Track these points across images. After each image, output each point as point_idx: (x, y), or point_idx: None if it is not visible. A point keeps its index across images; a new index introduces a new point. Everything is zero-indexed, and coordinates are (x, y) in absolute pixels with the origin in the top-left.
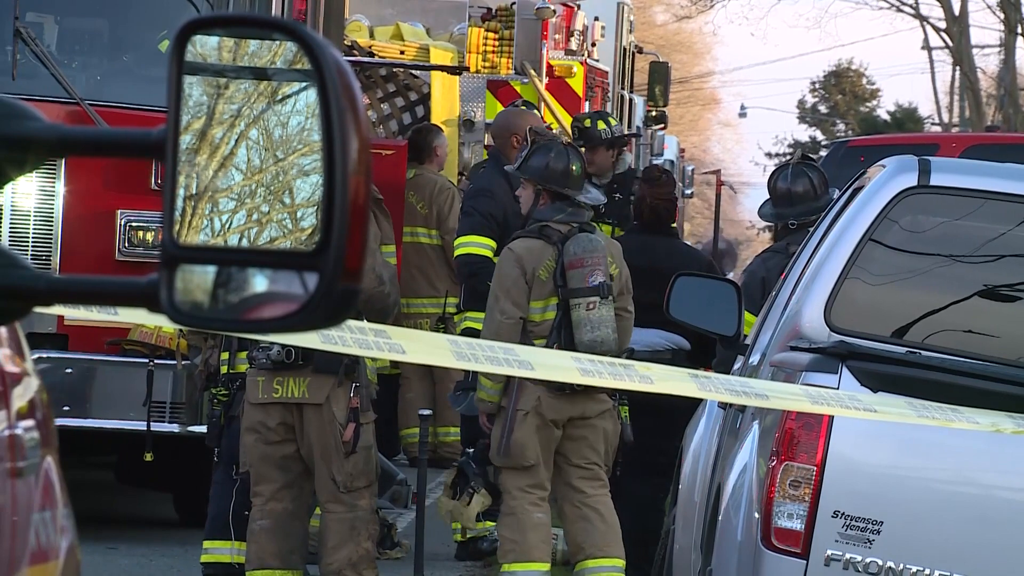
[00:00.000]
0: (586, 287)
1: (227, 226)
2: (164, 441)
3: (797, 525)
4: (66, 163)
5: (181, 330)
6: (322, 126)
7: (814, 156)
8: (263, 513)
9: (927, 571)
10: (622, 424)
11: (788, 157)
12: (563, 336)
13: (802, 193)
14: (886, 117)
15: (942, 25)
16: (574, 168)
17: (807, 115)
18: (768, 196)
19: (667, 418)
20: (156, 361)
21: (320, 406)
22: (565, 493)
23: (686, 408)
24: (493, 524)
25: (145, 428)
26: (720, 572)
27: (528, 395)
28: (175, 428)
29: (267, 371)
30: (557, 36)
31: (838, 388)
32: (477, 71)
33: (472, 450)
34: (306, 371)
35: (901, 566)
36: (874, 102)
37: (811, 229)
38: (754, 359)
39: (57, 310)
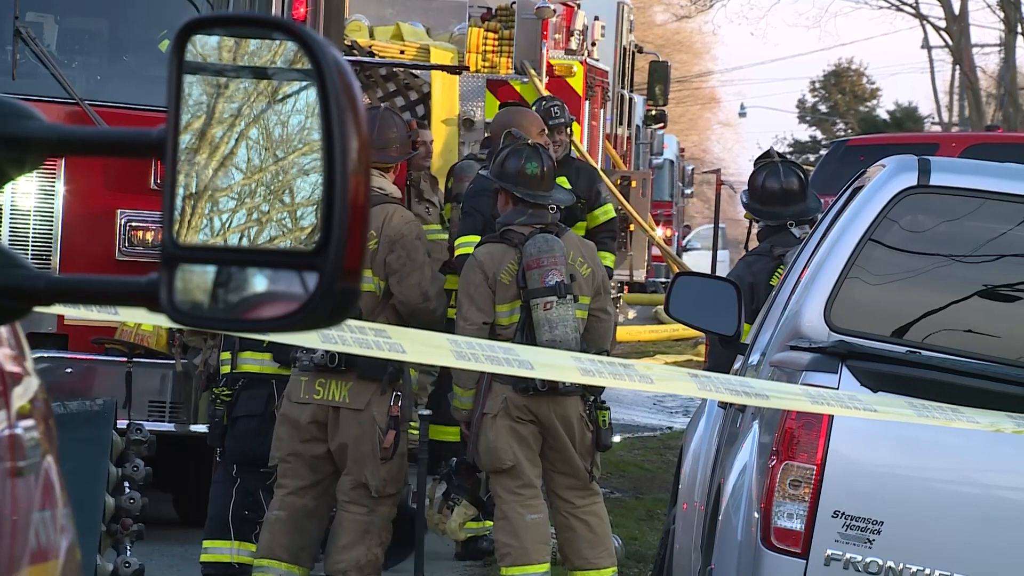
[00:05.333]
0: (542, 287)
1: (227, 225)
2: (164, 441)
3: (797, 525)
4: (66, 163)
5: (180, 330)
6: (322, 125)
7: (808, 157)
8: (282, 505)
9: (927, 571)
10: (600, 429)
11: (788, 156)
12: (525, 337)
13: (796, 191)
14: (886, 116)
15: (942, 24)
16: (530, 169)
17: (807, 114)
18: (753, 194)
19: None
20: (157, 361)
21: (360, 411)
22: (553, 502)
23: None
24: (493, 523)
25: (149, 427)
26: (720, 572)
27: (495, 397)
28: (173, 428)
29: (310, 372)
30: (557, 36)
31: (838, 388)
32: (477, 71)
33: (454, 460)
34: (350, 376)
35: (901, 566)
36: (874, 101)
37: (805, 228)
38: (754, 359)
39: (57, 310)
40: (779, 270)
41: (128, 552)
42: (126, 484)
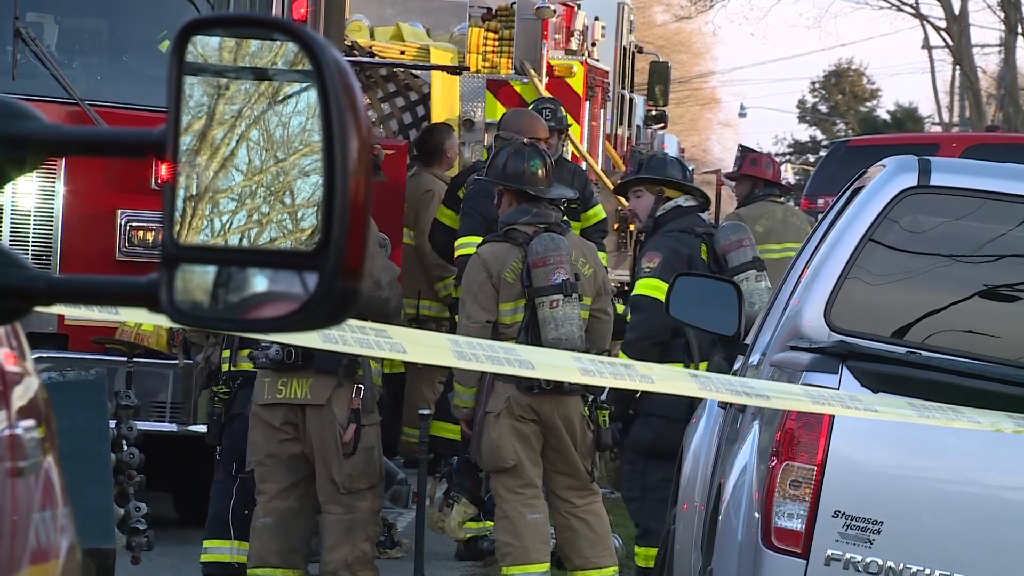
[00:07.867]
0: (549, 285)
1: (227, 226)
2: (164, 441)
3: (797, 525)
4: (66, 163)
5: (184, 329)
6: (322, 126)
7: (808, 157)
8: (267, 510)
9: (927, 571)
10: (600, 429)
11: (789, 156)
12: (530, 336)
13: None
14: (886, 117)
15: (942, 24)
16: (531, 166)
17: (807, 115)
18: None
19: None
20: (157, 361)
21: (322, 407)
22: (553, 502)
23: None
24: (493, 523)
25: (149, 427)
26: (720, 572)
27: (497, 396)
28: (174, 428)
29: (272, 372)
30: (557, 36)
31: (838, 388)
32: (477, 71)
33: (456, 459)
34: (308, 372)
35: (901, 566)
36: (874, 102)
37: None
38: (754, 359)
39: (57, 310)
40: (703, 247)
41: (133, 499)
42: (124, 442)
